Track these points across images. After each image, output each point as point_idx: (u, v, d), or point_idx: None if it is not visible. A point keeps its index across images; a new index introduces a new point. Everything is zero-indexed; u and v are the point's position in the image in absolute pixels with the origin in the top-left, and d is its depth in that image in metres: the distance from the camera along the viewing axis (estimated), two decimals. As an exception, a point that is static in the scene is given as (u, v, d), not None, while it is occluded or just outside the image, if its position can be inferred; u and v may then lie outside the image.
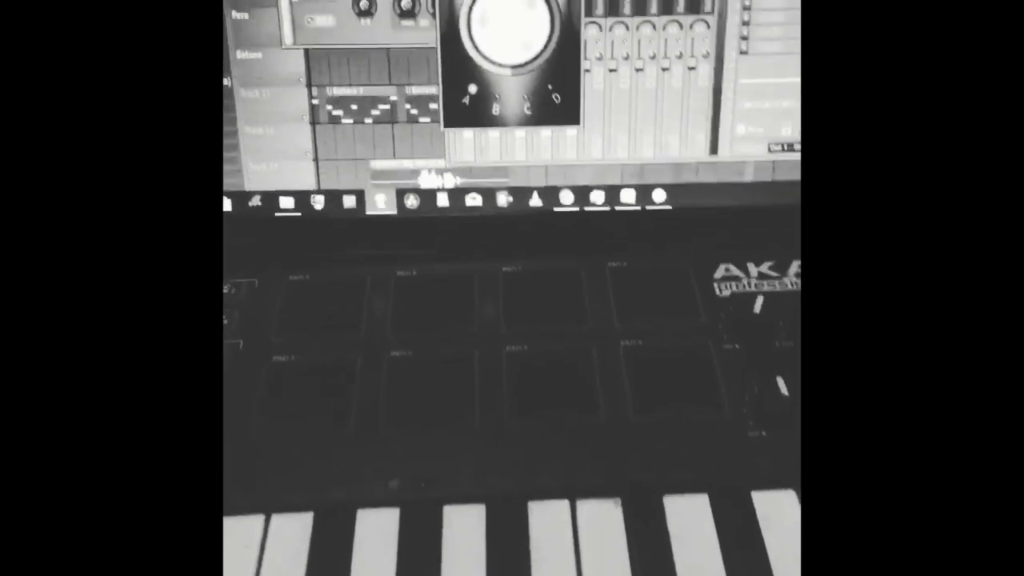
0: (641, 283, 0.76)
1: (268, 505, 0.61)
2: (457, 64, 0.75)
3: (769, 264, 0.76)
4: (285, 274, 0.76)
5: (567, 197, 0.79)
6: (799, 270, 0.76)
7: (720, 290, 0.75)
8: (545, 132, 0.77)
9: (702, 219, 0.80)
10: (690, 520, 0.60)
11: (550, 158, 0.78)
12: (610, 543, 0.59)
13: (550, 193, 0.79)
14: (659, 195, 0.79)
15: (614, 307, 0.74)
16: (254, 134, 0.77)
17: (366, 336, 0.72)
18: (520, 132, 0.77)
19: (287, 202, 0.79)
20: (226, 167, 0.77)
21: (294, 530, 0.59)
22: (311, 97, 0.76)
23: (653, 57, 0.76)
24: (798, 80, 0.77)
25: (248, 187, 0.78)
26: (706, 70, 0.76)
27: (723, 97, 0.77)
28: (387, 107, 0.77)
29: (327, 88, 0.76)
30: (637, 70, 0.76)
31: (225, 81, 0.75)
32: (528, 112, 0.77)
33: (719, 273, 0.76)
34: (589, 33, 0.75)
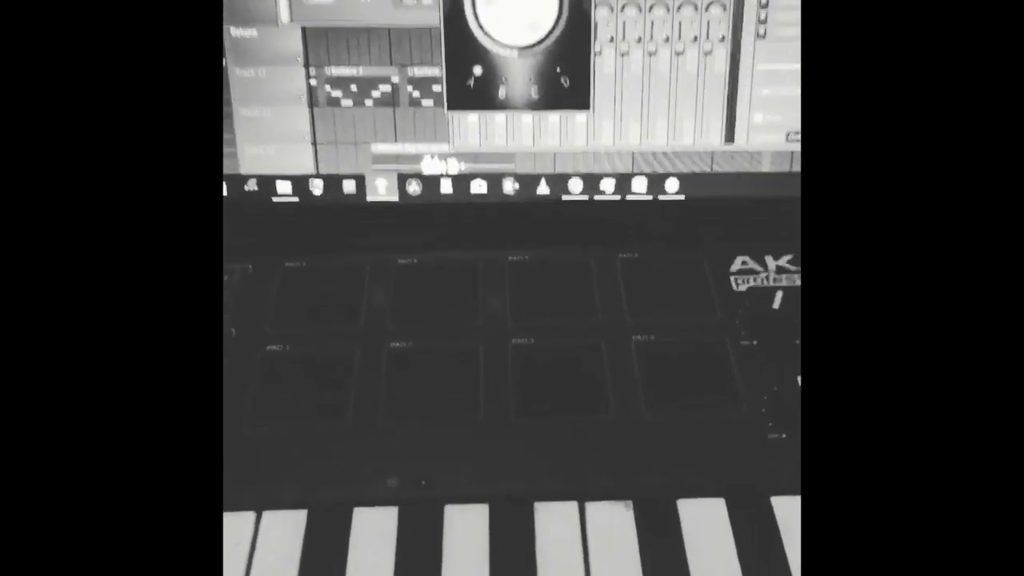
0: (654, 275, 0.73)
1: (260, 502, 0.58)
2: (461, 45, 0.72)
3: (788, 258, 0.74)
4: (281, 260, 0.73)
5: (576, 185, 0.76)
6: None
7: (737, 284, 0.72)
8: (553, 117, 0.74)
9: (717, 210, 0.77)
10: (706, 526, 0.57)
11: (558, 144, 0.75)
12: (620, 548, 0.56)
13: (558, 181, 0.76)
14: (672, 185, 0.76)
15: (625, 300, 0.71)
16: (249, 116, 0.74)
17: (365, 326, 0.69)
18: (527, 117, 0.74)
19: (284, 187, 0.76)
20: (220, 149, 0.75)
21: (287, 528, 0.57)
22: (309, 77, 0.73)
23: (667, 40, 0.73)
24: (819, 66, 0.73)
25: (244, 171, 0.75)
26: (722, 55, 0.73)
27: (739, 83, 0.74)
28: (388, 89, 0.74)
29: (326, 68, 0.73)
30: (650, 54, 0.73)
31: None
32: (536, 96, 0.73)
33: (736, 266, 0.73)
34: (600, 14, 0.72)
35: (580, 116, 0.74)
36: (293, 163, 0.75)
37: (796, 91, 0.74)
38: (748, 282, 0.72)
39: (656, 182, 0.76)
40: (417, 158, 0.75)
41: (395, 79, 0.73)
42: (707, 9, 0.72)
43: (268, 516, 0.57)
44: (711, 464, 0.60)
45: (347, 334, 0.68)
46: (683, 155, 0.76)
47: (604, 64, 0.73)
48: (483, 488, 0.59)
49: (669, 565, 0.55)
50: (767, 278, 0.72)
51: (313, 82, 0.73)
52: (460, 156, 0.75)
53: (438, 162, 0.75)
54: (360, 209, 0.76)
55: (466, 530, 0.57)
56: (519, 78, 0.73)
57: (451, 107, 0.74)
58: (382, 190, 0.76)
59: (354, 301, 0.71)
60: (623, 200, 0.77)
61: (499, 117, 0.74)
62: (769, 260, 0.74)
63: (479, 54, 0.72)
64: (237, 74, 0.73)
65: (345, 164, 0.75)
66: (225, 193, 0.75)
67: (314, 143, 0.75)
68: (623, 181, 0.76)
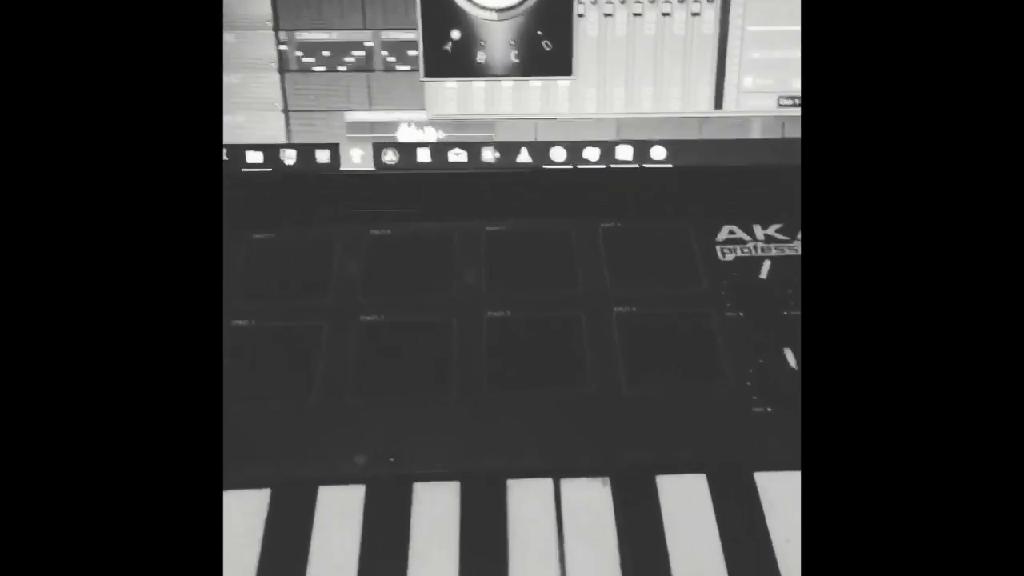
0: (637, 245, 0.71)
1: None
2: (438, 7, 0.70)
3: (777, 227, 0.72)
4: (249, 232, 0.71)
5: (559, 154, 0.74)
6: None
7: (723, 254, 0.70)
8: (535, 83, 0.72)
9: (705, 178, 0.74)
10: (685, 502, 0.55)
11: (540, 111, 0.73)
12: (597, 527, 0.54)
13: (540, 149, 0.74)
14: (658, 152, 0.74)
15: (607, 270, 0.69)
16: (219, 83, 0.71)
17: (334, 299, 0.67)
18: (507, 83, 0.72)
19: (255, 157, 0.73)
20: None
21: (249, 508, 0.55)
22: (279, 43, 0.71)
23: (653, 1, 0.70)
24: (810, 27, 0.71)
25: (213, 141, 0.73)
26: (711, 15, 0.71)
27: (729, 45, 0.71)
28: (362, 54, 0.71)
29: (296, 32, 0.70)
30: (635, 15, 0.70)
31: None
32: (516, 61, 0.71)
33: (722, 235, 0.71)
34: (583, -26, 0.69)
35: (562, 81, 0.72)
36: (264, 132, 0.73)
37: (788, 54, 0.71)
38: (735, 252, 0.70)
39: (642, 150, 0.74)
40: (393, 126, 0.73)
41: (369, 43, 0.71)
42: (695, -32, 0.70)
43: (230, 496, 0.55)
44: (693, 439, 0.58)
45: (316, 308, 0.66)
46: (670, 121, 0.73)
47: (587, 26, 0.71)
48: (454, 465, 0.57)
49: (646, 544, 0.53)
50: (755, 247, 0.70)
51: (283, 47, 0.71)
52: (437, 124, 0.73)
53: (415, 130, 0.73)
54: (334, 179, 0.74)
55: (435, 509, 0.55)
56: (498, 42, 0.70)
57: (428, 73, 0.71)
58: (357, 159, 0.74)
59: (324, 274, 0.69)
60: (607, 168, 0.74)
61: (478, 83, 0.72)
62: (757, 229, 0.72)
63: (457, 17, 0.70)
64: (205, 39, 0.70)
65: (318, 133, 0.73)
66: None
67: (285, 111, 0.72)
68: (607, 149, 0.74)
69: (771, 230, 0.71)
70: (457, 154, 0.74)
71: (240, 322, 0.65)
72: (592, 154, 0.74)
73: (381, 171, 0.74)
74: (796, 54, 0.71)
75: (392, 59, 0.71)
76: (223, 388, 0.60)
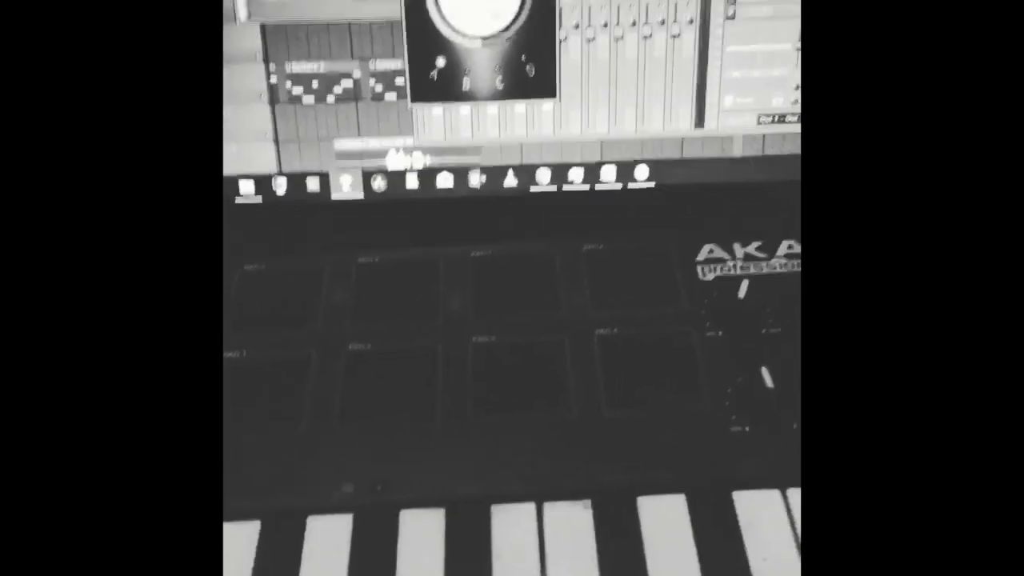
0: (619, 267, 0.72)
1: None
2: (423, 36, 0.71)
3: (756, 244, 0.72)
4: (240, 263, 0.72)
5: (544, 176, 0.75)
6: (789, 250, 0.71)
7: (703, 273, 0.70)
8: (519, 107, 0.73)
9: (687, 197, 0.75)
10: (665, 523, 0.56)
11: (525, 135, 0.74)
12: (578, 549, 0.55)
13: (526, 172, 0.75)
14: (642, 172, 0.75)
15: (589, 293, 0.70)
16: (211, 115, 0.73)
17: (323, 328, 0.68)
18: (492, 107, 0.73)
19: (247, 186, 0.75)
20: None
21: (240, 540, 0.56)
22: (269, 74, 0.72)
23: (633, 24, 0.71)
24: (789, 46, 0.72)
25: (207, 171, 0.74)
26: (690, 37, 0.72)
27: (709, 66, 0.73)
28: (350, 84, 0.72)
29: (286, 64, 0.72)
30: (617, 39, 0.71)
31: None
32: (500, 86, 0.72)
33: (702, 255, 0.72)
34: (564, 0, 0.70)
35: (547, 105, 0.73)
36: (255, 162, 0.74)
37: (767, 72, 0.72)
38: (715, 271, 0.71)
39: (625, 170, 0.75)
40: (381, 153, 0.74)
41: (357, 74, 0.72)
42: (673, -9, 0.71)
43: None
44: (673, 459, 0.59)
45: (304, 337, 0.67)
46: (652, 142, 0.74)
47: (570, 51, 0.72)
48: (440, 492, 0.58)
49: (626, 565, 0.54)
50: (735, 266, 0.71)
51: (273, 79, 0.72)
52: (425, 149, 0.74)
53: (403, 156, 0.74)
54: (325, 207, 0.75)
55: (422, 535, 0.56)
56: (483, 68, 0.72)
57: (415, 100, 0.73)
58: (347, 187, 0.75)
59: (312, 303, 0.70)
60: (592, 190, 0.75)
61: (464, 108, 0.73)
62: (737, 248, 0.72)
63: (442, 45, 0.71)
64: (196, 74, 0.72)
65: (308, 162, 0.74)
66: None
67: (276, 141, 0.74)
68: (592, 170, 0.75)
69: (751, 248, 0.72)
70: (445, 179, 0.75)
71: (231, 354, 0.66)
72: (577, 175, 0.75)
73: (371, 198, 0.75)
74: (775, 72, 0.72)
75: (380, 88, 0.73)
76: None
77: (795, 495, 0.57)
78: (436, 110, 0.73)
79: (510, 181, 0.75)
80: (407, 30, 0.71)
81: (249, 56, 0.72)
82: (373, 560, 0.55)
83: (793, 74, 0.73)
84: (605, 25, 0.71)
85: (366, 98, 0.73)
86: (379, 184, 0.75)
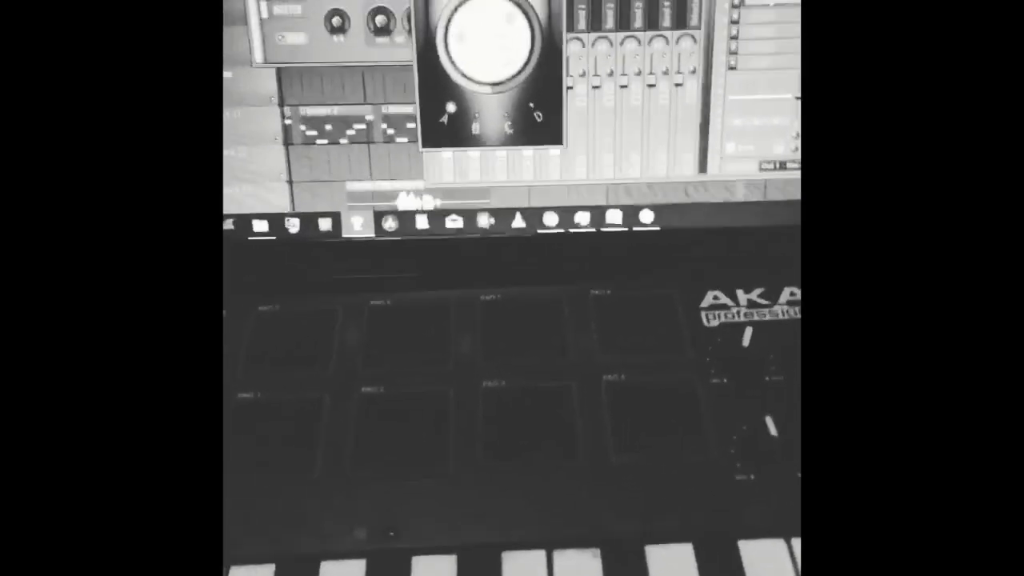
0: (625, 312, 0.73)
1: (226, 556, 0.58)
2: (435, 82, 0.72)
3: (759, 291, 0.74)
4: (255, 304, 0.74)
5: (551, 219, 0.77)
6: (791, 297, 0.73)
7: (708, 320, 0.72)
8: (527, 152, 0.75)
9: (691, 241, 0.77)
10: (674, 572, 0.57)
11: (533, 178, 0.75)
12: (589, 596, 0.56)
13: (533, 214, 0.76)
14: (647, 216, 0.76)
15: (597, 338, 0.71)
16: (226, 155, 0.74)
17: (335, 371, 0.69)
18: (501, 152, 0.75)
19: (261, 225, 0.76)
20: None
21: None
22: (284, 117, 0.74)
23: (638, 73, 0.73)
24: (789, 96, 0.74)
25: (220, 210, 0.76)
26: (693, 86, 0.73)
27: (712, 114, 0.74)
28: (363, 127, 0.74)
29: (300, 108, 0.73)
30: (622, 87, 0.73)
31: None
32: (509, 131, 0.74)
33: (706, 302, 0.73)
34: (571, 49, 0.72)
35: (554, 150, 0.75)
36: (269, 202, 0.76)
37: (768, 120, 0.74)
38: (719, 318, 0.72)
39: (630, 214, 0.77)
40: (392, 195, 0.76)
41: (369, 117, 0.74)
42: (678, 42, 0.72)
43: (235, 572, 0.57)
44: (679, 508, 0.60)
45: (317, 379, 0.68)
46: (657, 186, 0.76)
47: (576, 98, 0.73)
48: (451, 538, 0.59)
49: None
50: (738, 313, 0.72)
51: (288, 121, 0.74)
52: (435, 192, 0.76)
53: (413, 198, 0.76)
54: (336, 246, 0.77)
55: (434, 581, 0.57)
56: (492, 114, 0.73)
57: (425, 144, 0.74)
58: (358, 227, 0.76)
59: (325, 345, 0.71)
60: (598, 232, 0.77)
61: (473, 153, 0.75)
62: (740, 294, 0.74)
63: (452, 91, 0.73)
64: (212, 115, 0.73)
65: (321, 202, 0.76)
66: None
67: (290, 181, 0.75)
68: (598, 213, 0.77)
69: (753, 295, 0.73)
70: (454, 220, 0.77)
71: (245, 395, 0.66)
72: (583, 218, 0.77)
73: (381, 238, 0.77)
74: (775, 120, 0.74)
75: (391, 132, 0.74)
76: (228, 462, 0.62)
77: (799, 545, 0.58)
78: (446, 154, 0.75)
79: (518, 223, 0.77)
80: (419, 76, 0.72)
81: (264, 99, 0.73)
82: (387, 606, 0.56)
83: (793, 123, 0.75)
84: (611, 74, 0.73)
85: (378, 141, 0.74)
86: (390, 224, 0.76)
